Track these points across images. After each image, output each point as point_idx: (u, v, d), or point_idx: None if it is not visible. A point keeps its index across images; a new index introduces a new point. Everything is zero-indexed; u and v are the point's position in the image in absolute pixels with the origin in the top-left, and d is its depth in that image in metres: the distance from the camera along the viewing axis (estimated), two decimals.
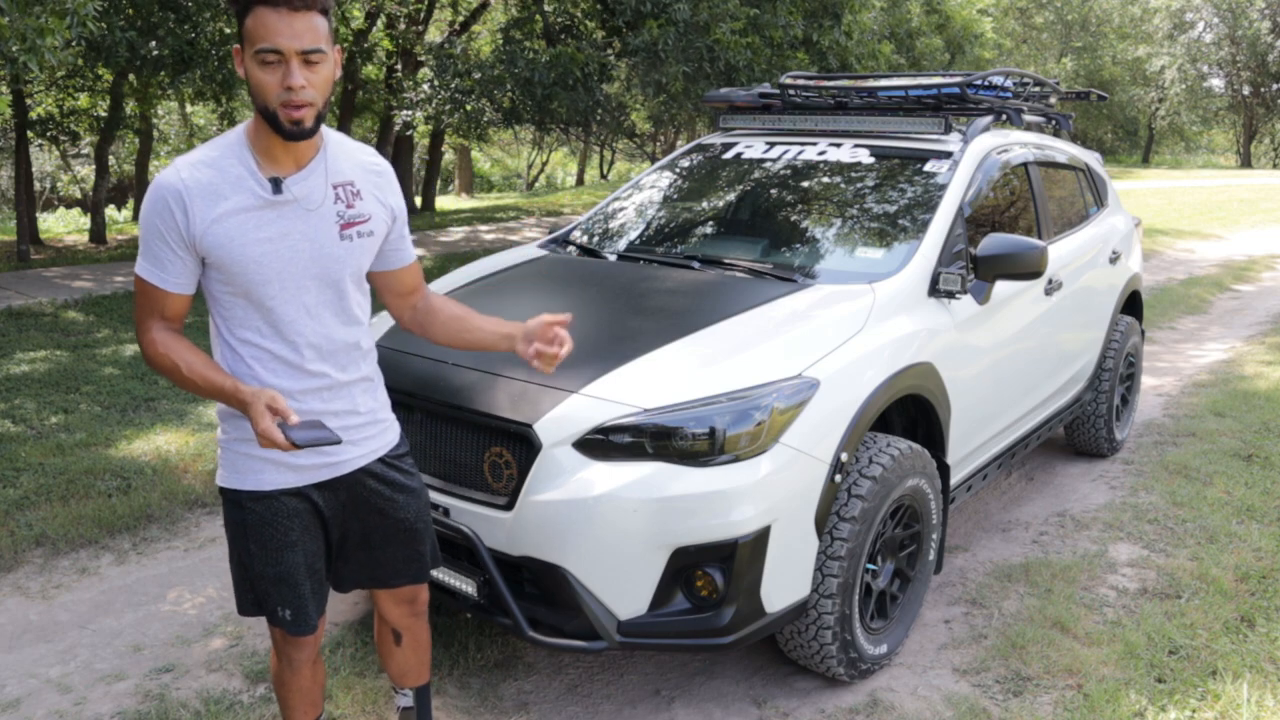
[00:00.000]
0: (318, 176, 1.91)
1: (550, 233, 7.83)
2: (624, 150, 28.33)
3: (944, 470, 3.17)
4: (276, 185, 1.86)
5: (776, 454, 2.55)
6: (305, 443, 1.82)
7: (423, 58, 12.70)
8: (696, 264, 3.47)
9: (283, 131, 1.80)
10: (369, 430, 2.09)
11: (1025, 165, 4.13)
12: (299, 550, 2.04)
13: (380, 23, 13.36)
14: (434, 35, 14.89)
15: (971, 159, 3.67)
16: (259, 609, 2.10)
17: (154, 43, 9.14)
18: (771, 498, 2.52)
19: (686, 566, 2.50)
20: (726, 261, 3.45)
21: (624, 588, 2.49)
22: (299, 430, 1.83)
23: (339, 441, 1.88)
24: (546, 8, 10.86)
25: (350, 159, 1.98)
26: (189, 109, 21.30)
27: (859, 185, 3.77)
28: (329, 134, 1.96)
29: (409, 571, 2.22)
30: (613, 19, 9.82)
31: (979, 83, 3.93)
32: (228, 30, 10.22)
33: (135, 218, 16.58)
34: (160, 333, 1.89)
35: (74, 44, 6.19)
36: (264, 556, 2.02)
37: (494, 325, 2.17)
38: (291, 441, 1.80)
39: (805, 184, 3.89)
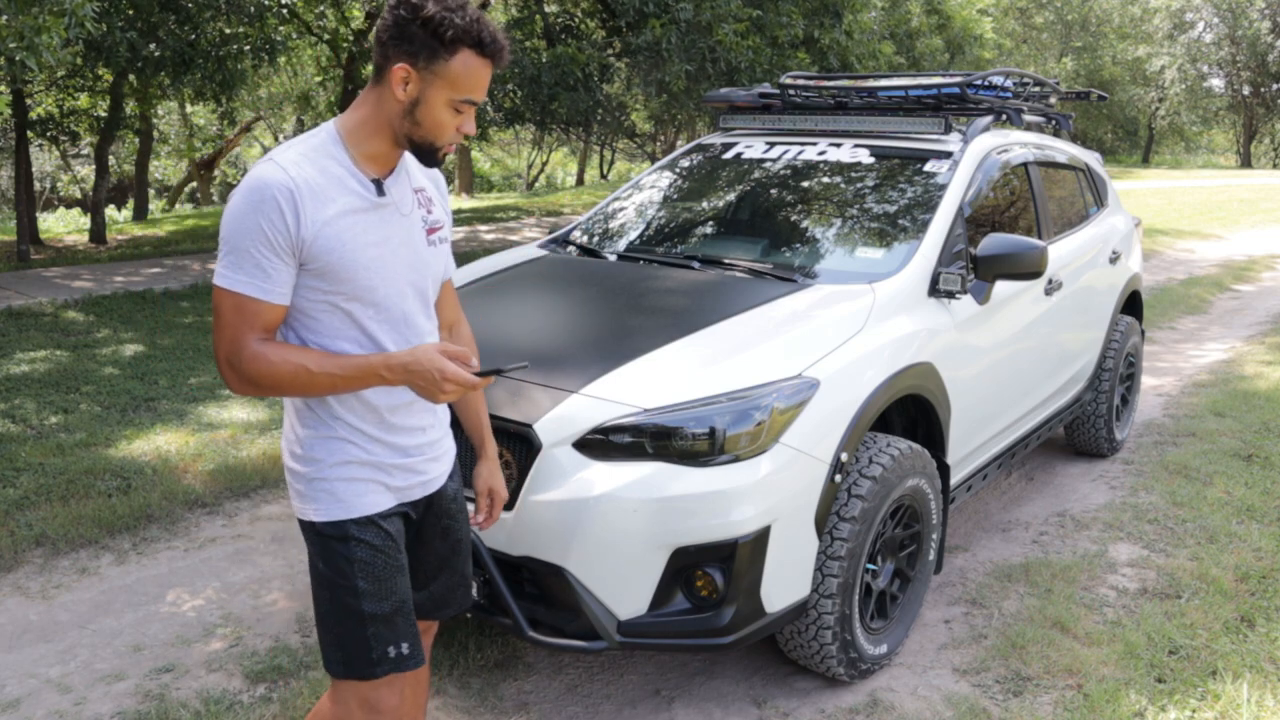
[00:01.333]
0: (404, 181, 1.85)
1: (550, 233, 7.84)
2: (624, 150, 28.33)
3: (944, 470, 3.17)
4: (380, 187, 1.78)
5: (776, 454, 2.55)
6: (498, 371, 1.74)
7: None
8: (696, 264, 3.47)
9: (433, 164, 1.81)
10: (447, 444, 2.01)
11: (1025, 165, 4.13)
12: (406, 575, 1.89)
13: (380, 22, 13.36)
14: None
15: (971, 159, 3.67)
16: (349, 667, 1.84)
17: (154, 44, 9.14)
18: (771, 498, 2.52)
19: (686, 566, 2.50)
20: (726, 261, 3.45)
21: (624, 588, 2.49)
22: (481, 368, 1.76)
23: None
24: (547, 8, 10.86)
25: (417, 165, 1.92)
26: (189, 109, 21.30)
27: (859, 185, 3.77)
28: None
29: (456, 598, 2.10)
30: (614, 19, 9.82)
31: (979, 83, 3.93)
32: (228, 30, 10.22)
33: (135, 217, 16.54)
34: (262, 345, 1.68)
35: (72, 43, 6.20)
36: (377, 591, 1.82)
37: (475, 424, 2.12)
38: (483, 374, 1.72)
39: (805, 184, 3.89)
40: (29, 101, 12.05)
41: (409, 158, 1.88)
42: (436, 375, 1.70)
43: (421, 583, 2.04)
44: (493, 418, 2.61)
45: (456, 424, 2.17)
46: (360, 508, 1.83)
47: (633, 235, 4.00)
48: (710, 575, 2.50)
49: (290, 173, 1.68)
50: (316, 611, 1.89)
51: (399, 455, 1.87)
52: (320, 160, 1.73)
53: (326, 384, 1.72)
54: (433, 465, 1.96)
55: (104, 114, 12.99)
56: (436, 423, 1.96)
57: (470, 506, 2.11)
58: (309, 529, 1.85)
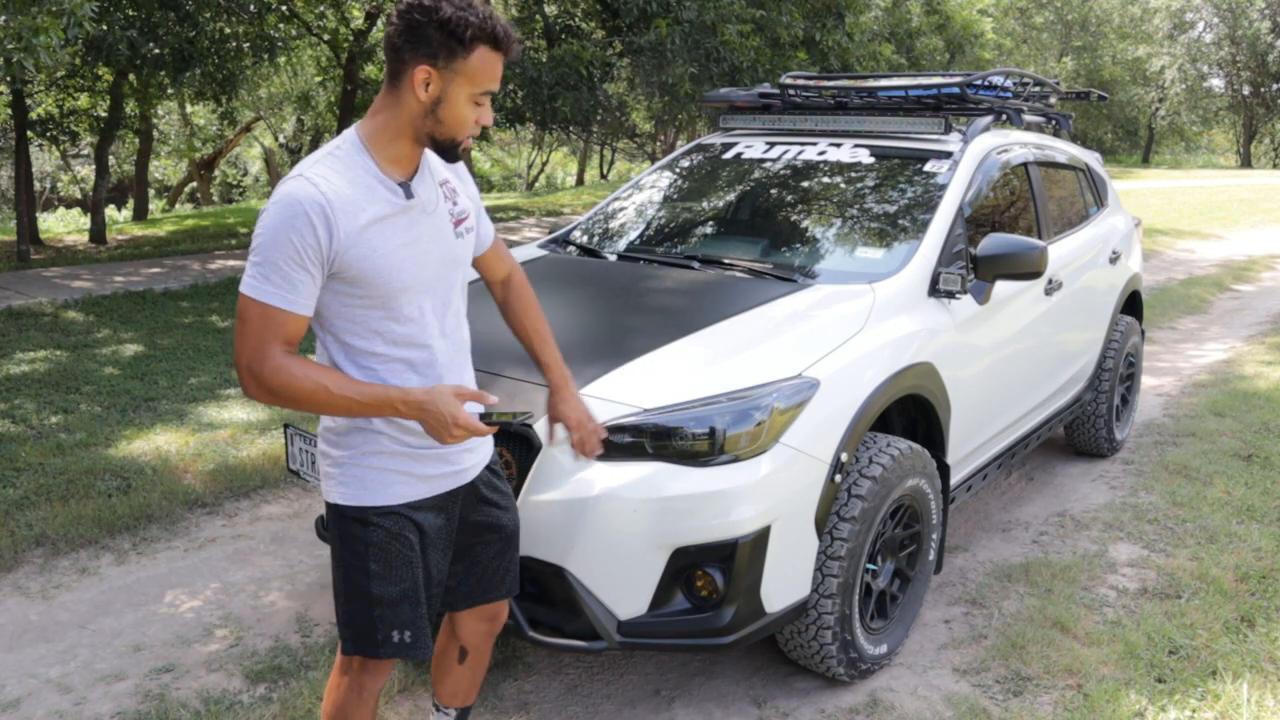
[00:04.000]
0: (427, 178, 1.91)
1: (550, 233, 7.83)
2: (624, 150, 28.34)
3: (944, 470, 3.17)
4: (407, 190, 1.85)
5: (776, 454, 2.54)
6: (506, 424, 1.84)
7: None
8: (696, 264, 3.47)
9: (453, 157, 1.88)
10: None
11: (1025, 165, 4.13)
12: (420, 567, 1.97)
13: (380, 23, 13.37)
14: None
15: (971, 159, 3.67)
16: (357, 644, 1.97)
17: (153, 42, 9.14)
18: (771, 498, 2.52)
19: (686, 566, 2.50)
20: (726, 261, 3.45)
21: (624, 588, 2.49)
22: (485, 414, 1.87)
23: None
24: (547, 9, 10.86)
25: (437, 159, 1.98)
26: (189, 109, 21.30)
27: (859, 185, 3.77)
28: None
29: (505, 584, 2.21)
30: (614, 19, 9.82)
31: (979, 83, 3.93)
32: (227, 30, 10.22)
33: (135, 217, 16.54)
34: (285, 359, 1.75)
35: (71, 44, 6.21)
36: (386, 575, 1.92)
37: (548, 359, 2.21)
38: (488, 423, 1.82)
39: (805, 184, 3.89)
40: (29, 102, 12.05)
41: (429, 153, 1.93)
42: (448, 420, 1.78)
43: (466, 567, 2.14)
44: (492, 418, 2.61)
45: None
46: (385, 497, 1.92)
47: (633, 235, 3.99)
48: (710, 575, 2.50)
49: (321, 188, 1.73)
50: (340, 590, 1.99)
51: (432, 445, 1.93)
52: (348, 171, 1.79)
53: (343, 406, 1.78)
54: (466, 456, 2.03)
55: (104, 114, 12.99)
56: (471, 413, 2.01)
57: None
58: (333, 509, 1.95)
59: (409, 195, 1.84)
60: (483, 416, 1.88)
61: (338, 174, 1.77)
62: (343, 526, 1.94)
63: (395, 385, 1.85)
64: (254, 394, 1.77)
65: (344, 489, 1.92)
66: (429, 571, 2.00)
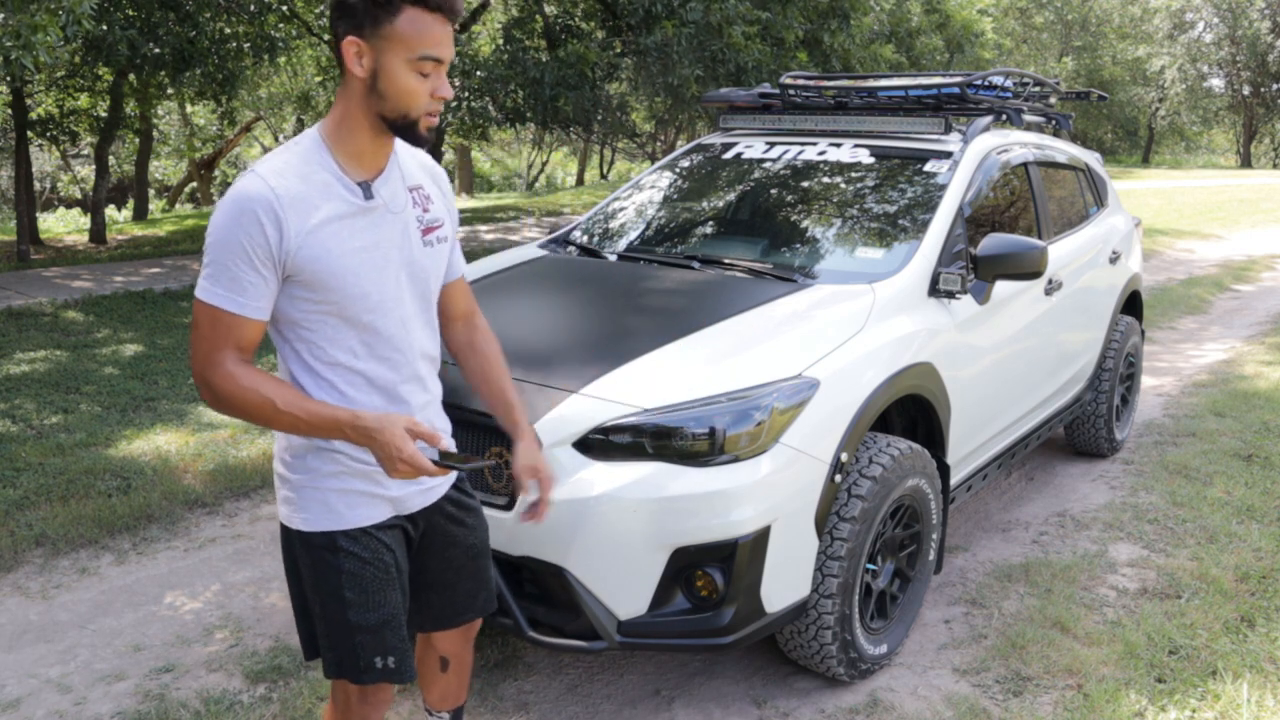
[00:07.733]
0: (396, 180, 1.79)
1: (550, 233, 7.83)
2: (624, 150, 28.32)
3: (944, 470, 3.17)
4: (367, 190, 1.73)
5: (776, 454, 2.55)
6: (457, 466, 1.71)
7: None
8: (696, 264, 3.47)
9: (417, 140, 1.71)
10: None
11: (1025, 165, 4.13)
12: (398, 589, 1.86)
13: None
14: None
15: (971, 159, 3.67)
16: (340, 669, 1.86)
17: (153, 42, 9.14)
18: (771, 498, 2.52)
19: (686, 566, 2.50)
20: (726, 261, 3.45)
21: (624, 588, 2.49)
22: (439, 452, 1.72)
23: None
24: (547, 9, 10.86)
25: (412, 160, 1.86)
26: (189, 109, 21.30)
27: (859, 185, 3.77)
28: None
29: (477, 603, 2.09)
30: (615, 20, 9.83)
31: (979, 83, 3.93)
32: (227, 30, 10.22)
33: (135, 217, 16.54)
34: (237, 366, 1.66)
35: (70, 41, 6.22)
36: (364, 603, 1.81)
37: (505, 409, 2.01)
38: (439, 464, 1.69)
39: (805, 184, 3.89)
40: (29, 102, 12.05)
41: (401, 155, 1.82)
42: (394, 453, 1.66)
43: (438, 591, 2.03)
44: (493, 417, 2.61)
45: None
46: (351, 520, 1.81)
47: (633, 235, 3.99)
48: (710, 575, 2.50)
49: (271, 183, 1.64)
50: (297, 608, 1.91)
51: None
52: (304, 168, 1.68)
53: (289, 423, 1.68)
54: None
55: (104, 114, 12.99)
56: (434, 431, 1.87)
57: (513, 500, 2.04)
58: (295, 536, 1.83)
59: (368, 195, 1.73)
60: (440, 458, 1.76)
61: (293, 170, 1.67)
62: (311, 554, 1.81)
63: (348, 405, 1.73)
64: (208, 401, 1.69)
65: (306, 514, 1.80)
66: (405, 592, 1.90)
